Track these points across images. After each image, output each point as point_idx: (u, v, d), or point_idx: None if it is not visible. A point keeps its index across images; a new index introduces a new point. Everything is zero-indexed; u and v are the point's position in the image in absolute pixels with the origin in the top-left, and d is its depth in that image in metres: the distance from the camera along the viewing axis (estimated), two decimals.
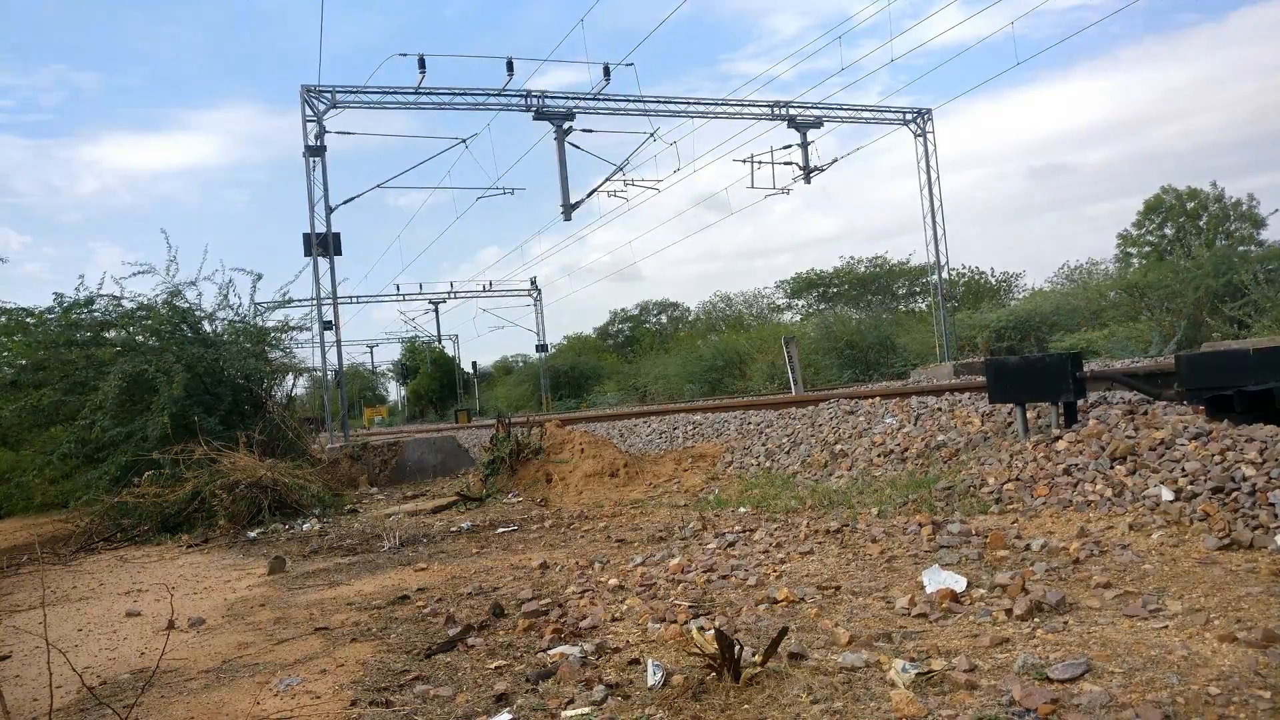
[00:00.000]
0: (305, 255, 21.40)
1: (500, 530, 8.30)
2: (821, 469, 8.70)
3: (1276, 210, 41.02)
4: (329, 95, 21.83)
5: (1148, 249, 39.48)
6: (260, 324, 15.04)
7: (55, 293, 13.58)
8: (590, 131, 24.70)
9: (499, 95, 23.16)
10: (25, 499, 13.57)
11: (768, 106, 25.74)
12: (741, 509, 7.71)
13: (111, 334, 13.73)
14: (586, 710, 3.12)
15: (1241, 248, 30.61)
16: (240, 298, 14.97)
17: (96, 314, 13.70)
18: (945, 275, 27.72)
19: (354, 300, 50.70)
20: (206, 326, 14.37)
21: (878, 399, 10.06)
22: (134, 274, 14.22)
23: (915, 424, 8.58)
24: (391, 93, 22.72)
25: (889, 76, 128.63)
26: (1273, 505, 4.62)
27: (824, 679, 3.16)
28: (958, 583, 4.19)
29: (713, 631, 3.36)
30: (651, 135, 24.38)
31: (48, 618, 5.36)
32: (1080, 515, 5.43)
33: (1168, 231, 39.25)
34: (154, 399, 12.17)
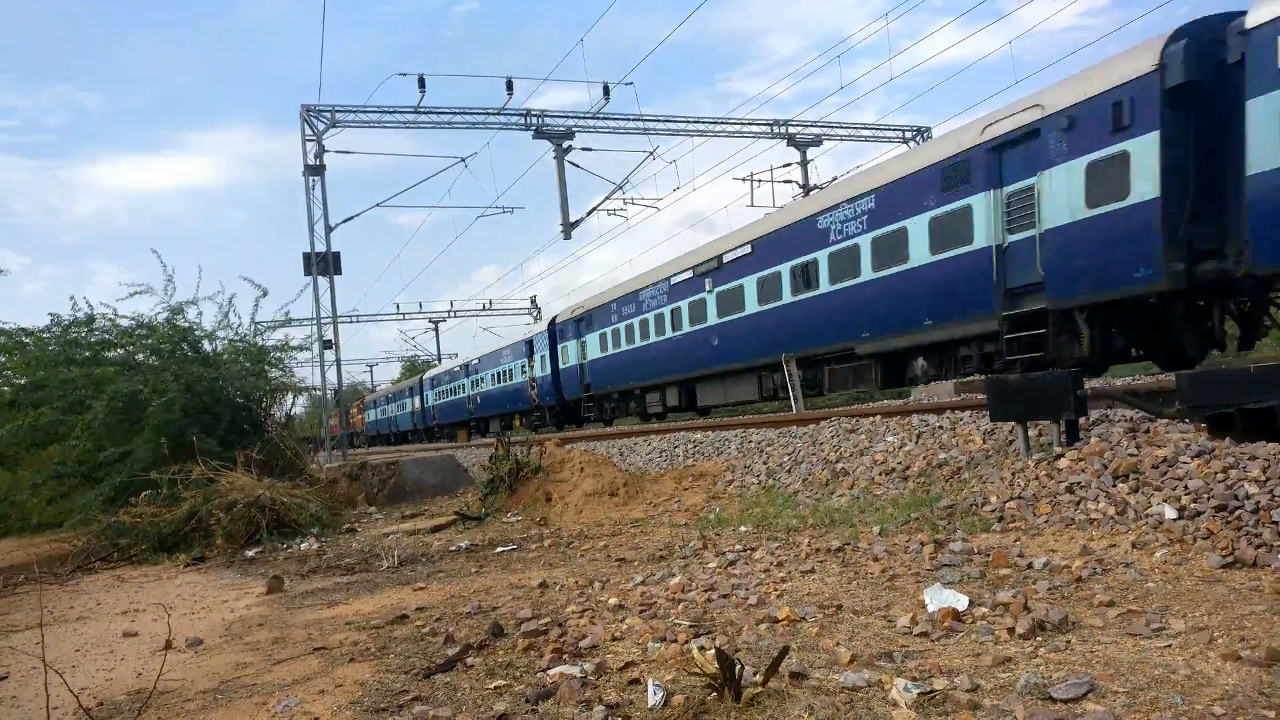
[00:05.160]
0: (305, 274, 21.50)
1: (499, 549, 8.27)
2: (823, 487, 8.67)
3: None
4: (329, 115, 21.96)
5: None
6: (260, 343, 15.06)
7: (50, 313, 13.64)
8: (590, 150, 24.87)
9: (499, 114, 23.31)
10: (23, 519, 13.55)
11: (767, 125, 25.89)
12: (742, 528, 7.68)
13: (111, 353, 13.75)
14: None
15: None
16: (240, 317, 15.02)
17: (96, 334, 13.72)
18: None
19: (354, 319, 50.76)
20: (206, 345, 14.38)
21: (879, 417, 10.04)
22: (131, 294, 14.23)
23: (916, 442, 8.56)
24: (391, 112, 22.86)
25: (886, 96, 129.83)
26: (1276, 523, 4.60)
27: (826, 699, 3.13)
28: (960, 601, 4.17)
29: (713, 651, 3.34)
30: (651, 154, 24.51)
31: (45, 638, 5.33)
32: (1083, 533, 5.41)
33: None
34: (149, 418, 12.16)
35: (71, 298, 14.24)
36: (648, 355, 23.15)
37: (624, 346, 24.43)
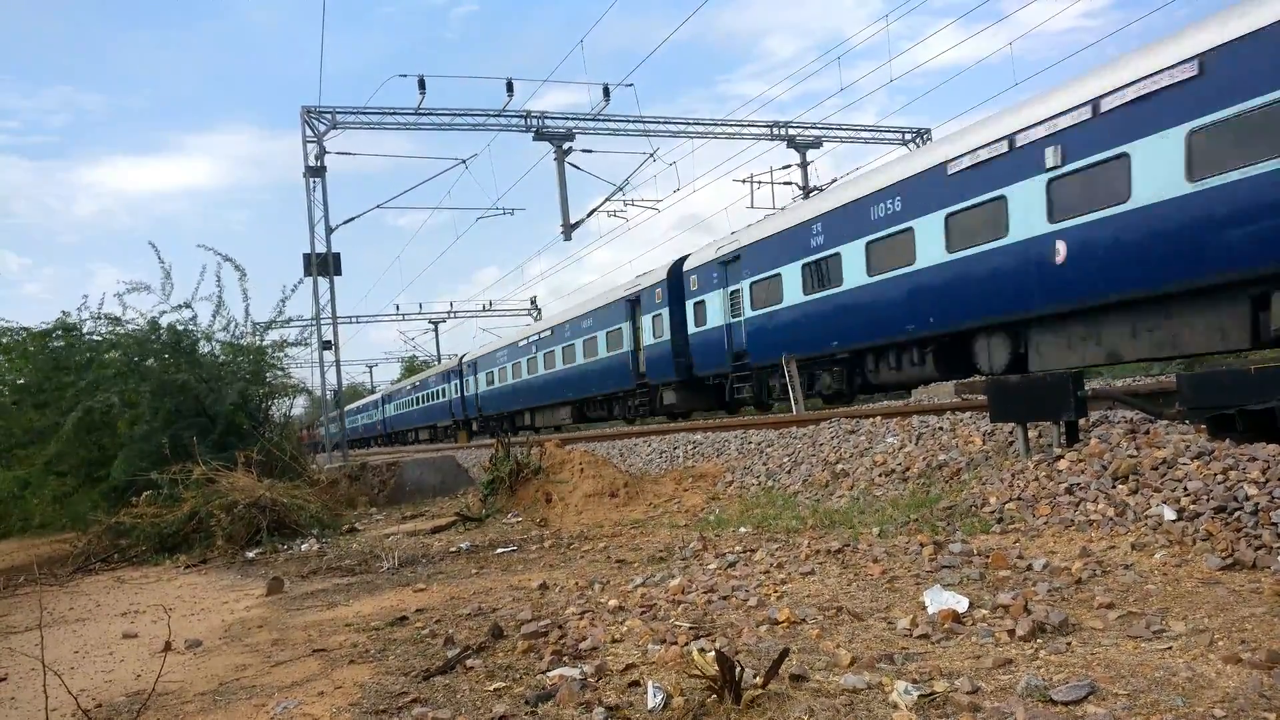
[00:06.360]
0: (305, 275, 21.47)
1: (499, 551, 8.26)
2: (823, 488, 8.67)
3: None
4: (329, 116, 21.95)
5: None
6: (258, 343, 15.02)
7: (63, 311, 13.63)
8: (590, 152, 24.87)
9: (499, 116, 23.30)
10: (25, 519, 13.55)
11: (767, 126, 25.89)
12: (742, 529, 7.67)
13: (109, 355, 13.73)
14: None
15: None
16: (236, 317, 14.98)
17: (92, 336, 13.70)
18: None
19: (353, 320, 50.72)
20: (204, 346, 14.36)
21: (879, 418, 10.04)
22: (129, 291, 14.17)
23: (916, 443, 8.56)
24: (392, 113, 22.85)
25: (886, 97, 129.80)
26: (1275, 525, 4.60)
27: (826, 701, 3.13)
28: (960, 603, 4.17)
29: (713, 653, 3.33)
30: (651, 155, 24.51)
31: (44, 639, 5.32)
32: (1083, 535, 5.41)
33: None
34: (138, 419, 12.19)
35: (85, 297, 14.21)
36: (412, 414, 48.73)
37: (410, 409, 49.42)
